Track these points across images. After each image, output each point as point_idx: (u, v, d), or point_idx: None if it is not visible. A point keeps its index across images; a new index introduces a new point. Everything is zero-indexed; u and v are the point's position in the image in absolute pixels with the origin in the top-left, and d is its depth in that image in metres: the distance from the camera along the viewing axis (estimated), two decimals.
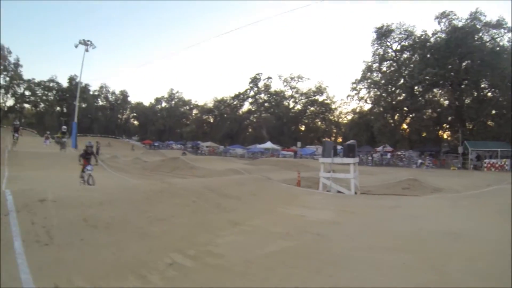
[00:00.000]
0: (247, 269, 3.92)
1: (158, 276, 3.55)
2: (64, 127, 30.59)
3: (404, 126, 56.05)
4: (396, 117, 56.00)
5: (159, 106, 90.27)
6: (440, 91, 52.55)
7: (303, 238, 5.20)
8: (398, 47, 55.35)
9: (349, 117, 68.51)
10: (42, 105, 76.19)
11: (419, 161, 40.02)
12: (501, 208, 6.87)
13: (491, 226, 5.85)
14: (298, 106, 75.39)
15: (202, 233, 5.05)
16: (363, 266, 4.04)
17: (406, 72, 53.38)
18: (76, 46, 43.72)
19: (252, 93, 76.85)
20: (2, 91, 72.51)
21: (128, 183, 12.72)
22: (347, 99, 63.18)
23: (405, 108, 54.02)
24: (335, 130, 71.83)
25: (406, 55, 55.54)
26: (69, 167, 17.96)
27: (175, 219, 5.31)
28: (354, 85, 59.80)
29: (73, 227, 4.21)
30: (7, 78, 71.34)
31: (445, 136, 55.30)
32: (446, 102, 51.82)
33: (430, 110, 52.62)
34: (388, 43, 56.11)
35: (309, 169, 28.05)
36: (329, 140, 14.53)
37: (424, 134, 52.88)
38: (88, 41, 43.67)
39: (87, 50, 43.70)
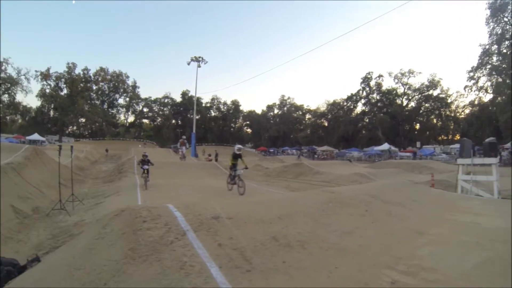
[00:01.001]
0: (469, 283, 3.45)
1: None
2: (183, 136, 34.18)
3: None
4: None
5: (271, 113, 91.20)
6: None
7: (496, 247, 4.55)
8: None
9: (468, 111, 63.11)
10: (159, 119, 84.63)
11: None
12: None
13: None
14: (412, 104, 70.98)
15: (394, 244, 4.55)
16: None
17: None
18: (188, 64, 47.02)
19: (364, 93, 74.51)
20: (124, 110, 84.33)
21: (277, 195, 12.24)
22: (464, 91, 57.75)
23: None
24: (452, 127, 66.28)
25: None
26: (195, 174, 19.62)
27: (360, 232, 4.89)
28: (471, 74, 53.83)
29: (266, 248, 3.79)
30: (127, 99, 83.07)
31: None
32: None
33: None
34: (506, 19, 48.89)
35: (434, 171, 26.03)
36: (467, 139, 13.27)
37: None
38: (200, 57, 46.62)
39: (199, 66, 46.79)
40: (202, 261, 3.23)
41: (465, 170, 12.69)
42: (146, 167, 14.77)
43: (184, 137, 30.16)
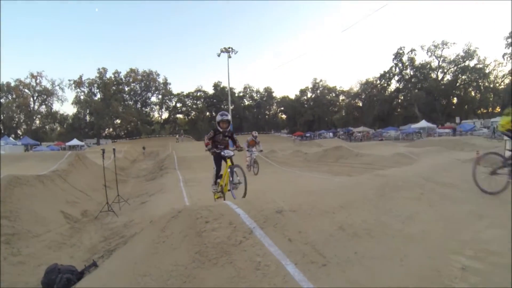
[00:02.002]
0: None
1: (464, 285, 2.98)
2: (255, 133, 33.18)
3: None
4: None
5: (305, 97, 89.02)
6: None
7: None
8: None
9: (508, 80, 59.07)
10: (193, 113, 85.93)
11: None
12: None
13: None
14: (448, 77, 67.18)
15: (457, 228, 4.34)
16: None
17: None
18: (218, 55, 47.19)
19: (397, 70, 71.26)
20: (157, 107, 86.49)
21: (330, 182, 11.83)
22: (502, 59, 55.08)
23: None
24: (492, 99, 62.42)
25: None
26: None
27: (421, 216, 4.70)
28: (510, 40, 51.01)
29: (336, 240, 3.72)
30: (160, 96, 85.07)
31: None
32: None
33: None
34: None
35: (476, 147, 24.77)
36: None
37: None
38: (229, 48, 46.60)
39: (230, 57, 46.77)
40: (277, 259, 3.15)
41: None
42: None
43: (255, 133, 17.44)
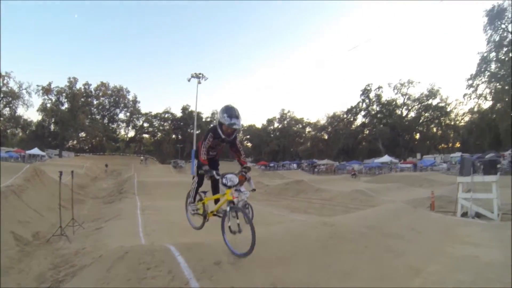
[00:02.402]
0: None
1: None
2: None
3: None
4: None
5: (271, 127, 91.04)
6: None
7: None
8: None
9: (467, 118, 62.79)
10: (159, 134, 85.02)
11: None
12: None
13: None
14: (412, 114, 71.27)
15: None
16: None
17: None
18: (189, 80, 47.57)
19: (364, 105, 74.74)
20: (124, 124, 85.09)
21: (277, 229, 11.98)
22: (463, 99, 57.64)
23: None
24: (452, 135, 66.37)
25: None
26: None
27: (360, 273, 4.81)
28: (470, 82, 54.00)
29: None
30: (128, 113, 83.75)
31: None
32: None
33: None
34: (504, 26, 49.60)
35: (434, 184, 26.12)
36: (467, 155, 13.12)
37: None
38: (200, 73, 47.17)
39: (199, 82, 47.19)
40: None
41: (465, 188, 12.78)
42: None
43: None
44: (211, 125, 5.27)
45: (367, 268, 5.09)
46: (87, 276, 4.66)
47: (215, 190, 5.57)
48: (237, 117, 4.82)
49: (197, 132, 58.23)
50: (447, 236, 7.50)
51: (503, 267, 5.19)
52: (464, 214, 12.19)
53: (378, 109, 73.18)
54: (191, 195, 5.72)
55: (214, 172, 4.81)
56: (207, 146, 4.96)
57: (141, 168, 42.90)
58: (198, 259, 4.25)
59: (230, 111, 4.83)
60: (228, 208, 4.62)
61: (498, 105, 50.70)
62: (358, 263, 5.21)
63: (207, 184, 5.57)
